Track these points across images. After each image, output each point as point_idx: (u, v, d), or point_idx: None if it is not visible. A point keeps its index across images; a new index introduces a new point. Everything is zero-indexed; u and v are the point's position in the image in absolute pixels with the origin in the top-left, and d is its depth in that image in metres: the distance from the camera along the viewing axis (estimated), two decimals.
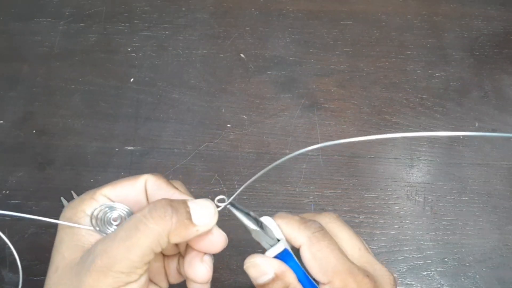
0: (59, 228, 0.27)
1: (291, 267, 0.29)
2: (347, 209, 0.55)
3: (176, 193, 0.29)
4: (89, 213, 0.27)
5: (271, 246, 0.29)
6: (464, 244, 0.53)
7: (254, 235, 0.29)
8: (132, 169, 0.57)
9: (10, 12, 0.67)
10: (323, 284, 0.28)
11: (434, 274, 0.52)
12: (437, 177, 0.56)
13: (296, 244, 0.29)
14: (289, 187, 0.55)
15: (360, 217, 0.54)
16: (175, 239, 0.26)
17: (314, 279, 0.29)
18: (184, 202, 0.26)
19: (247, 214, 0.29)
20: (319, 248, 0.28)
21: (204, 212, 0.27)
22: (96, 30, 0.65)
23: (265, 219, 0.30)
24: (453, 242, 0.53)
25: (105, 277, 0.23)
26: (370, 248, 0.54)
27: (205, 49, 0.64)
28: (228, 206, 0.29)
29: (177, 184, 0.31)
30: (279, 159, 0.28)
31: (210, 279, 0.29)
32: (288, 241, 0.29)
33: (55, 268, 0.26)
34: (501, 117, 0.60)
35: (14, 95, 0.61)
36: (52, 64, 0.63)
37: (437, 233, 0.54)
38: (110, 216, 0.27)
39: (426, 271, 0.52)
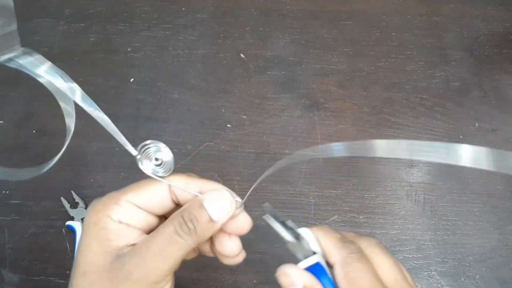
0: (85, 231, 0.28)
1: (322, 281, 0.28)
2: (347, 209, 0.55)
3: (202, 183, 0.30)
4: (115, 218, 0.28)
5: (306, 258, 0.29)
6: (464, 244, 0.53)
7: (289, 246, 0.29)
8: (132, 169, 0.56)
9: None
10: None
11: (434, 274, 0.52)
12: (437, 177, 0.56)
13: (331, 260, 0.29)
14: (289, 187, 0.55)
15: (360, 217, 0.54)
16: (202, 242, 0.29)
17: None
18: (201, 205, 0.28)
19: (283, 223, 0.29)
20: (352, 269, 0.28)
21: (221, 206, 0.28)
22: (96, 30, 0.65)
23: (303, 230, 0.29)
24: (453, 242, 0.53)
25: (139, 286, 0.26)
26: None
27: (205, 49, 0.64)
28: (264, 216, 0.29)
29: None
30: (278, 159, 0.28)
31: (241, 251, 0.31)
32: (324, 256, 0.29)
33: (82, 272, 0.27)
34: (501, 117, 0.60)
35: (14, 95, 0.61)
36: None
37: (437, 233, 0.54)
38: (154, 154, 0.31)
39: (426, 271, 0.52)
